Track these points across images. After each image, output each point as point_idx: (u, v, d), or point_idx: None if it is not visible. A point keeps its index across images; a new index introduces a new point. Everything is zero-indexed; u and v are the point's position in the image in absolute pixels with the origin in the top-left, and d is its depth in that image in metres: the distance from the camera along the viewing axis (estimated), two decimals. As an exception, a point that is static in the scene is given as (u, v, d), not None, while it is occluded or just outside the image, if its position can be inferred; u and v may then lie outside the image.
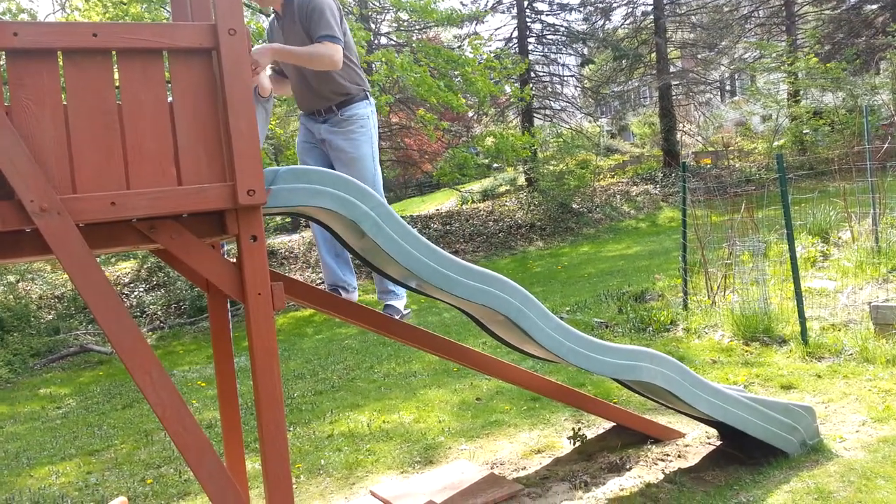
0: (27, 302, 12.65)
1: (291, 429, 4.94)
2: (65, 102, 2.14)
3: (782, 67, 18.70)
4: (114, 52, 2.17)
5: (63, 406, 7.22)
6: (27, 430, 6.32)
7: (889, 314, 4.83)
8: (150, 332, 11.72)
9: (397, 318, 3.47)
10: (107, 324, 2.15)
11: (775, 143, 18.72)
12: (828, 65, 16.43)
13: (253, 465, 4.11)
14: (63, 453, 5.24)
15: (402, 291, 3.62)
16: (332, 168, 3.53)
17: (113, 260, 15.07)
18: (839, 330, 5.23)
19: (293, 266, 15.40)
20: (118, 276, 14.65)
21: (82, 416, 6.50)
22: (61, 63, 2.13)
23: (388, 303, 3.60)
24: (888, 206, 7.50)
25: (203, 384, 7.08)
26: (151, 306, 12.99)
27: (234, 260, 2.38)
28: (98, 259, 2.32)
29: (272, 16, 3.60)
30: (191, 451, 2.21)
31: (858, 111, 14.81)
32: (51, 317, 12.61)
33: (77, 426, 6.10)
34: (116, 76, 2.19)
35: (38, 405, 7.45)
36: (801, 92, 18.84)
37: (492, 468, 3.78)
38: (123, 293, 13.79)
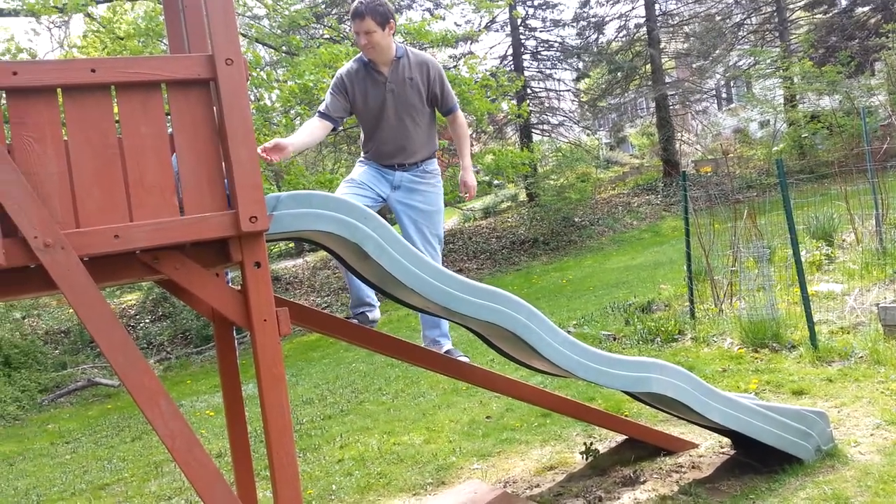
0: (34, 338, 12.67)
1: (301, 455, 4.91)
2: (66, 138, 2.15)
3: (777, 73, 18.77)
4: (113, 87, 2.19)
5: (72, 441, 7.19)
6: (36, 466, 6.29)
7: (897, 315, 4.80)
8: (157, 363, 11.71)
9: (459, 357, 3.54)
10: (113, 357, 2.15)
11: (774, 149, 18.74)
12: (823, 68, 16.47)
13: (264, 493, 4.08)
14: (73, 488, 5.22)
15: (446, 331, 3.69)
16: (407, 217, 3.58)
17: (118, 292, 15.10)
18: (848, 333, 5.20)
19: (298, 291, 15.41)
20: (124, 308, 14.68)
21: (91, 451, 6.47)
22: (61, 100, 2.15)
23: (446, 347, 3.66)
24: (891, 207, 7.49)
25: (211, 413, 7.05)
26: (158, 337, 13.00)
27: (239, 288, 2.38)
28: (103, 291, 2.32)
29: (356, 65, 3.54)
30: (201, 482, 2.19)
31: (856, 113, 14.83)
32: (58, 352, 12.62)
33: (86, 460, 6.08)
34: (116, 109, 2.21)
35: (46, 441, 7.43)
36: (798, 96, 18.89)
37: (505, 487, 3.75)
38: (129, 325, 13.80)
